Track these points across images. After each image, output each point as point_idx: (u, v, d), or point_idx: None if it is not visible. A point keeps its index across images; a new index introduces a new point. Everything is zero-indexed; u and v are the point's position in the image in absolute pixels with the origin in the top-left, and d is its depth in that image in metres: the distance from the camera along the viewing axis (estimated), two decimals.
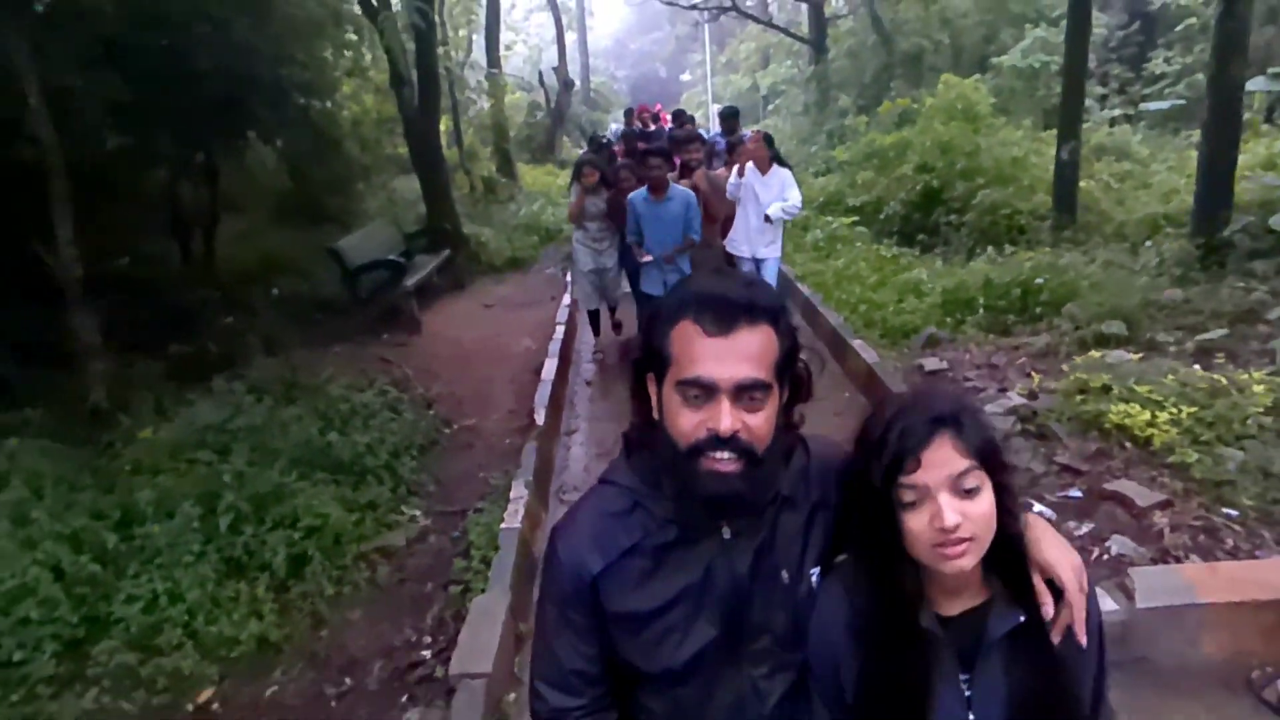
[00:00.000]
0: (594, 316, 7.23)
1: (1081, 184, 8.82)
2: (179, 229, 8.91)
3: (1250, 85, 12.64)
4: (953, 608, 1.19)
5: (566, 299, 8.60)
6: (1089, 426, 4.38)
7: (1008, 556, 1.15)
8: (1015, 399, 4.85)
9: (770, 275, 6.18)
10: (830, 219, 10.27)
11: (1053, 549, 1.16)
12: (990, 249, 8.02)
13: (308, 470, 4.34)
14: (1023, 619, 1.15)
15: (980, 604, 1.19)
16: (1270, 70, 12.18)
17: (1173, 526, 3.50)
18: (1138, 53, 16.72)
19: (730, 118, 9.24)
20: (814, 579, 1.26)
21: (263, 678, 3.30)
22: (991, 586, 1.18)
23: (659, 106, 17.83)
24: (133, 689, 3.18)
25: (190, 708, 3.14)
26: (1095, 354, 5.11)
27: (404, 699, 3.13)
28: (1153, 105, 13.29)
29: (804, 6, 19.22)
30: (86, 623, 3.39)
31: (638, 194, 5.96)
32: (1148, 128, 13.47)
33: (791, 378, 1.21)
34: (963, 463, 1.09)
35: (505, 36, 20.16)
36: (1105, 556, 3.40)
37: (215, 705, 3.16)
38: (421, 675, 3.22)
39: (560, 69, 22.12)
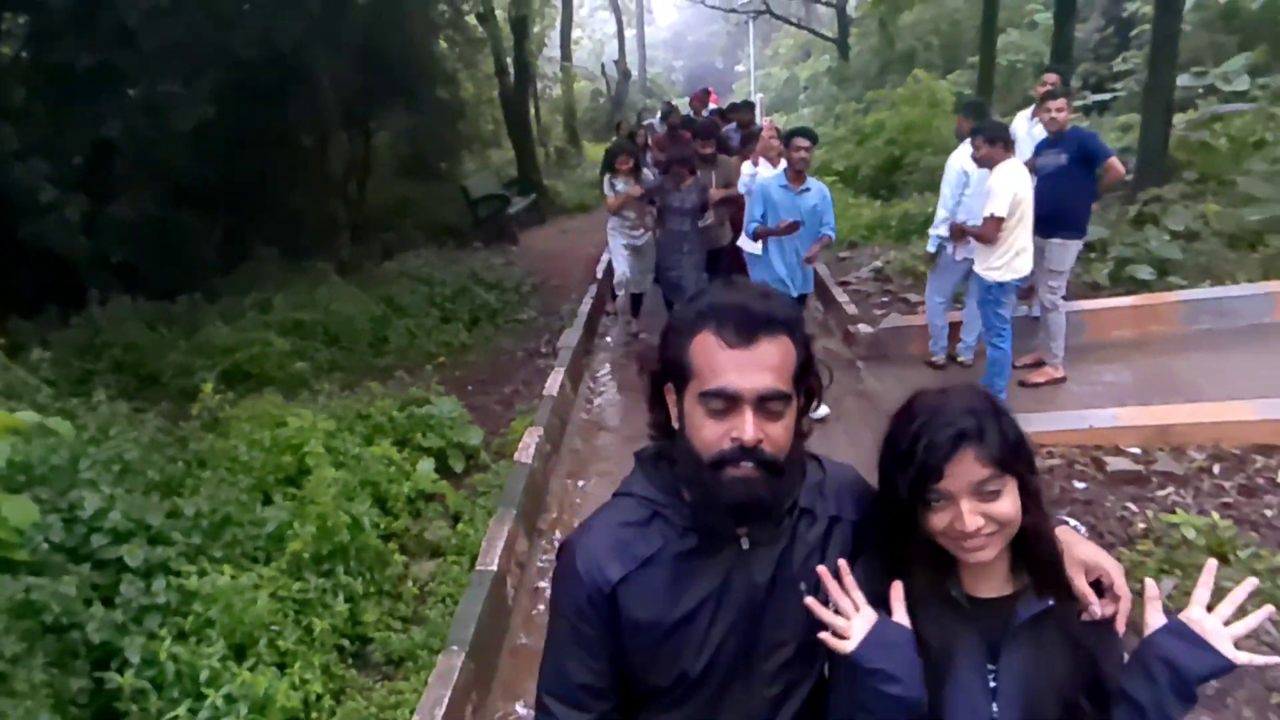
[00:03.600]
0: (636, 300, 7.34)
1: None
2: (347, 176, 12.70)
3: (1180, 81, 15.76)
4: (981, 590, 1.21)
5: None
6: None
7: (1032, 549, 1.18)
8: (878, 264, 8.27)
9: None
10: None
11: (1091, 551, 1.22)
12: (926, 194, 11.25)
13: (474, 287, 8.03)
14: (1051, 604, 1.18)
15: (1010, 594, 1.21)
16: (1193, 69, 15.23)
17: None
18: (1113, 53, 19.51)
19: (744, 110, 9.60)
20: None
21: (463, 356, 6.95)
22: (1020, 578, 1.21)
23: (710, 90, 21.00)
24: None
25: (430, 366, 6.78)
26: None
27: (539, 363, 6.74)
28: (1096, 97, 16.20)
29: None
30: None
31: (773, 179, 5.45)
32: (1098, 114, 16.39)
33: (805, 388, 1.21)
34: (984, 472, 1.11)
35: (573, 33, 23.78)
36: None
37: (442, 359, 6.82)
38: (544, 359, 6.82)
39: (620, 62, 25.67)
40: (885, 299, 7.52)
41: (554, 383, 5.93)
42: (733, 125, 9.15)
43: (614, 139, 10.68)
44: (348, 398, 5.28)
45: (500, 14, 13.00)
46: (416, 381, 5.57)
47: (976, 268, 5.09)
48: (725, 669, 1.23)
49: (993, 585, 1.21)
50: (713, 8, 27.02)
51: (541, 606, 3.80)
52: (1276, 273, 6.49)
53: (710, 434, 1.13)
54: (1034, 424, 4.68)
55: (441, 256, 9.41)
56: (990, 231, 4.75)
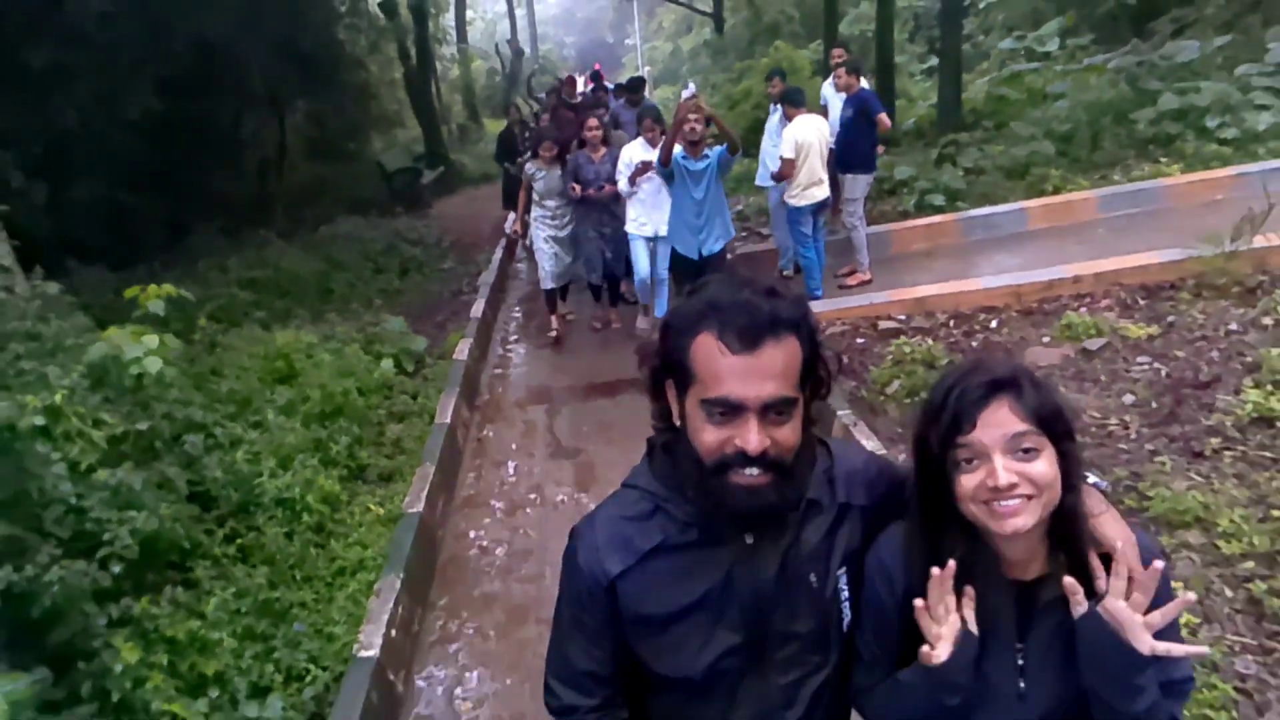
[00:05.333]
0: (551, 296, 7.09)
1: None
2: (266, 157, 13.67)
3: (1001, 45, 17.99)
4: (1018, 575, 1.19)
5: None
6: None
7: (1066, 529, 1.14)
8: (740, 207, 9.94)
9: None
10: None
11: (1108, 524, 1.16)
12: None
13: (400, 244, 9.34)
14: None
15: (1044, 575, 1.18)
16: (1015, 33, 17.45)
17: None
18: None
19: (633, 89, 9.68)
20: (841, 578, 1.26)
21: (397, 299, 8.30)
22: (1055, 561, 1.18)
23: (597, 66, 22.29)
24: None
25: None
26: None
27: (463, 299, 8.15)
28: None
29: None
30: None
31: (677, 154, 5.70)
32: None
33: (813, 380, 1.18)
34: (1020, 425, 1.08)
35: (466, 15, 24.72)
36: None
37: (379, 303, 8.18)
38: (467, 296, 8.22)
39: (513, 41, 26.70)
40: (744, 234, 9.20)
41: (478, 309, 7.41)
42: (621, 101, 9.87)
43: (507, 121, 10.92)
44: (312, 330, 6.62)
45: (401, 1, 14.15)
46: (366, 312, 6.94)
47: (784, 197, 6.75)
48: (737, 661, 1.23)
49: (1030, 571, 1.19)
50: None
51: (482, 456, 5.33)
52: (1033, 194, 8.46)
53: (712, 439, 1.11)
54: (836, 304, 6.47)
55: (367, 222, 10.66)
56: (785, 169, 6.42)
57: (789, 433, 1.13)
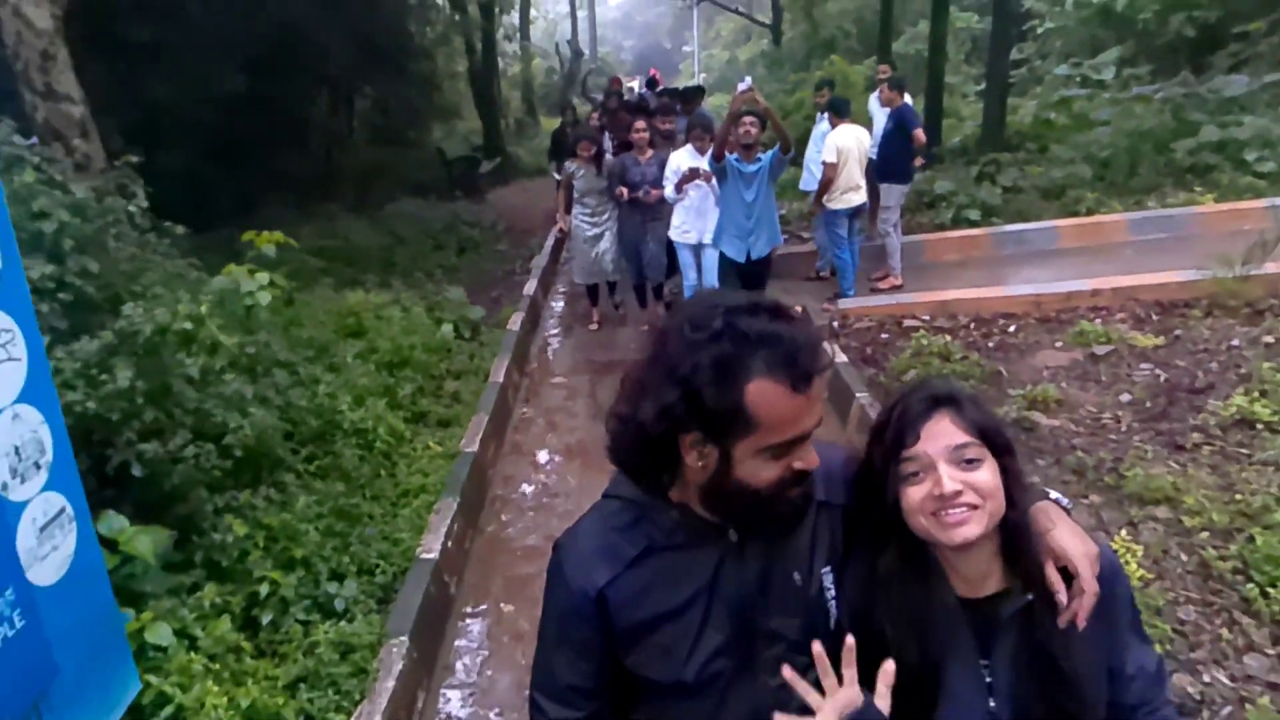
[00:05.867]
0: (593, 291, 7.41)
1: None
2: (333, 138, 14.43)
3: (1056, 70, 18.15)
4: (973, 593, 1.21)
5: None
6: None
7: (1015, 544, 1.17)
8: (782, 212, 10.39)
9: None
10: None
11: (1066, 536, 1.18)
12: None
13: (459, 225, 9.95)
14: (1030, 598, 1.17)
15: (1002, 590, 1.20)
16: (1071, 60, 17.63)
17: None
18: (1014, 41, 22.08)
19: (688, 99, 9.60)
20: (825, 577, 1.26)
21: (455, 275, 8.88)
22: (1012, 576, 1.20)
23: (654, 71, 22.81)
24: None
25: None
26: None
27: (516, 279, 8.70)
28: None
29: None
30: None
31: (730, 158, 5.75)
32: None
33: None
34: (962, 436, 1.12)
35: (530, 14, 25.46)
36: None
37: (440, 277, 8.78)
38: (519, 277, 8.78)
39: (573, 41, 27.44)
40: (786, 236, 9.62)
41: (530, 288, 7.98)
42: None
43: (560, 121, 11.12)
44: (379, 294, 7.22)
45: None
46: (428, 283, 7.53)
47: (823, 200, 7.18)
48: (727, 662, 1.23)
49: (987, 587, 1.20)
50: None
51: (530, 412, 5.85)
52: (1067, 215, 8.79)
53: (773, 473, 1.11)
54: (865, 302, 6.90)
55: (427, 204, 11.30)
56: (828, 173, 6.86)
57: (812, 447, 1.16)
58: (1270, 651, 2.88)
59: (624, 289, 7.64)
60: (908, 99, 7.51)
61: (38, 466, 2.28)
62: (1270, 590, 3.08)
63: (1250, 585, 3.13)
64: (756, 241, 5.98)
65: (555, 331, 7.71)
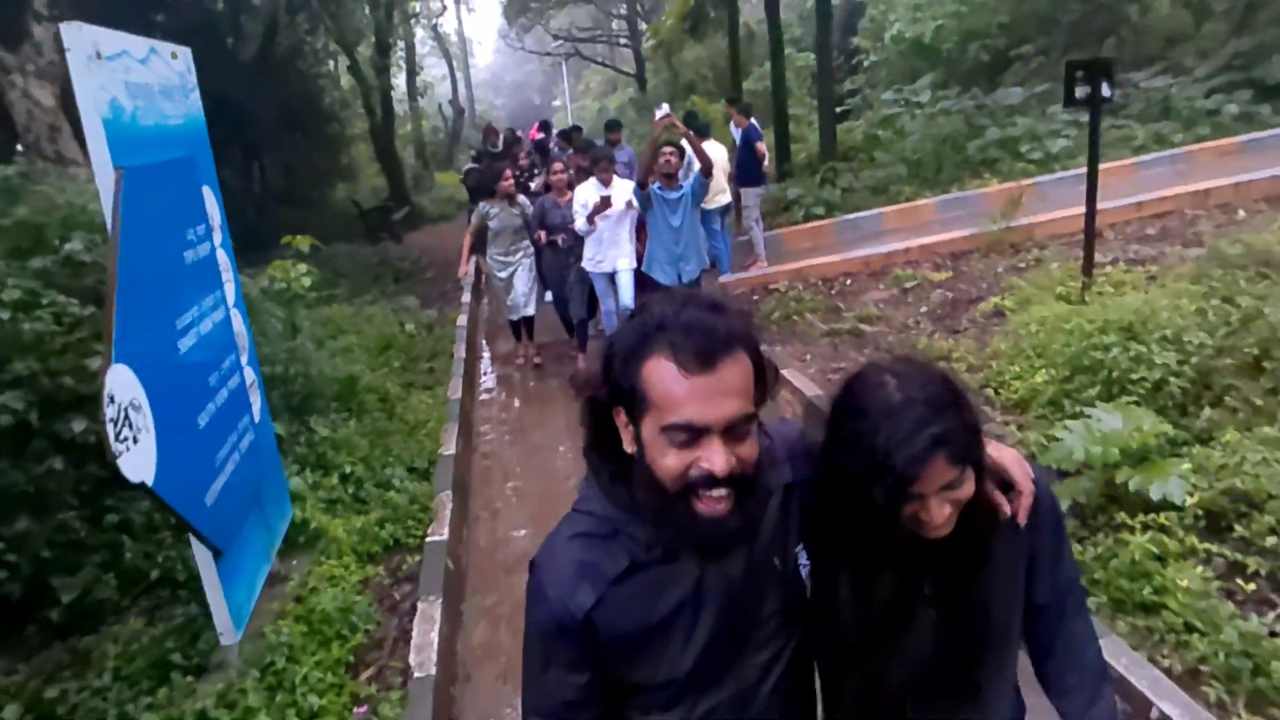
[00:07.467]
0: (516, 327, 7.54)
1: None
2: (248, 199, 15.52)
3: (883, 96, 20.86)
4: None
5: None
6: None
7: (974, 508, 1.22)
8: None
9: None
10: None
11: (995, 452, 1.28)
12: None
13: (391, 260, 11.34)
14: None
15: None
16: (895, 87, 20.40)
17: None
18: (844, 76, 25.27)
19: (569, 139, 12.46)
20: (800, 556, 1.29)
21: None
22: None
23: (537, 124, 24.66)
24: None
25: None
26: None
27: (449, 296, 10.18)
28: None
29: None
30: None
31: (652, 188, 5.99)
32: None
33: (761, 391, 1.16)
34: (953, 473, 1.16)
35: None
36: None
37: None
38: (454, 293, 10.26)
39: (454, 100, 29.12)
40: None
41: (466, 296, 9.51)
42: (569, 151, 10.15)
43: (467, 167, 11.76)
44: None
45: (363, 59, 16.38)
46: (383, 298, 8.97)
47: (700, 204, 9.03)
48: (717, 656, 1.24)
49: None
50: (528, 51, 30.98)
51: (487, 371, 7.42)
52: (890, 203, 11.01)
53: (676, 464, 1.09)
54: (739, 276, 8.75)
55: (356, 247, 12.61)
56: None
57: (750, 448, 1.13)
58: (1002, 419, 4.74)
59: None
60: (753, 121, 9.52)
61: (244, 350, 3.76)
62: (1000, 389, 4.97)
63: (989, 389, 5.02)
64: (686, 265, 6.36)
65: (490, 328, 9.29)
